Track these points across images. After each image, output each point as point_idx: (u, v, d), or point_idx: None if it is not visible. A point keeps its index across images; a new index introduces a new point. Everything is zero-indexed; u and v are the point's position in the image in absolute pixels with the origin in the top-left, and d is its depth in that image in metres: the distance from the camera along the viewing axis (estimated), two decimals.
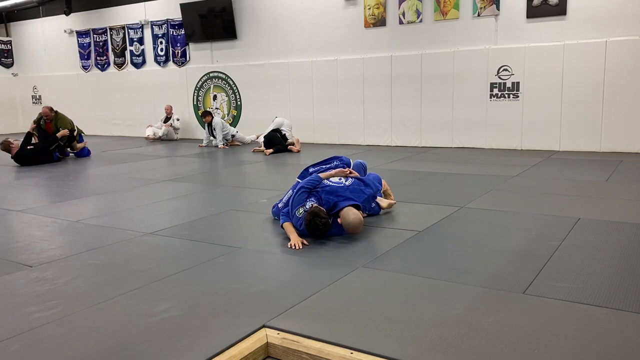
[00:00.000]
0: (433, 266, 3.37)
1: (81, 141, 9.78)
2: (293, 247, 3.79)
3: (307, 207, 3.98)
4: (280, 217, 4.14)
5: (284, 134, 9.55)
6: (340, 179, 4.27)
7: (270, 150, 9.23)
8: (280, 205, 4.39)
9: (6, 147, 8.88)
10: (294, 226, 3.98)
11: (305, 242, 3.85)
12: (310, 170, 4.59)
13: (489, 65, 8.63)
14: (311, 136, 10.43)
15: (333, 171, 4.41)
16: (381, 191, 4.73)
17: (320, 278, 3.21)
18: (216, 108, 11.85)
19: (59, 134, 9.13)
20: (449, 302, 2.79)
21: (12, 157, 8.79)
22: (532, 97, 8.38)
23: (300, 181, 4.38)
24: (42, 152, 8.93)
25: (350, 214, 3.87)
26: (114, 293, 3.07)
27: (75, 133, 9.52)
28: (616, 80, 7.78)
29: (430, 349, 2.31)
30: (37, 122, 9.45)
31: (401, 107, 9.49)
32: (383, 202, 4.64)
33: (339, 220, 3.92)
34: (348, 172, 4.42)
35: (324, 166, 4.61)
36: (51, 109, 9.41)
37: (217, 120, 10.54)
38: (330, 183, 4.18)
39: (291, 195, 4.15)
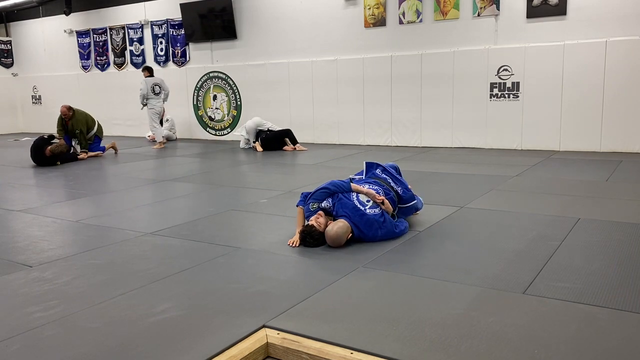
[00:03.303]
0: (433, 266, 3.37)
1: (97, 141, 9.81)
2: (290, 245, 3.85)
3: (323, 205, 3.94)
4: (300, 197, 4.14)
5: (272, 130, 9.73)
6: (368, 201, 3.96)
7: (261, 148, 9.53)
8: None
9: (60, 153, 8.66)
10: (304, 214, 3.99)
11: None
12: (376, 170, 4.37)
13: (489, 65, 8.63)
14: (311, 136, 10.42)
15: (365, 189, 4.02)
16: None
17: (320, 278, 3.21)
18: (216, 108, 11.86)
19: (80, 156, 9.14)
20: (449, 302, 2.79)
21: (41, 154, 8.51)
22: (532, 97, 8.38)
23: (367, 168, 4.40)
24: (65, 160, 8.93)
25: (335, 227, 3.74)
26: (114, 293, 3.07)
27: (92, 133, 9.55)
28: (616, 81, 7.78)
29: (430, 349, 2.31)
30: (61, 125, 9.37)
31: (401, 107, 9.49)
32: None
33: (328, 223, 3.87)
34: (380, 200, 3.98)
35: (389, 178, 4.30)
36: (69, 108, 9.37)
37: (144, 82, 10.56)
38: (353, 200, 3.92)
39: (318, 187, 4.06)
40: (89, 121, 9.56)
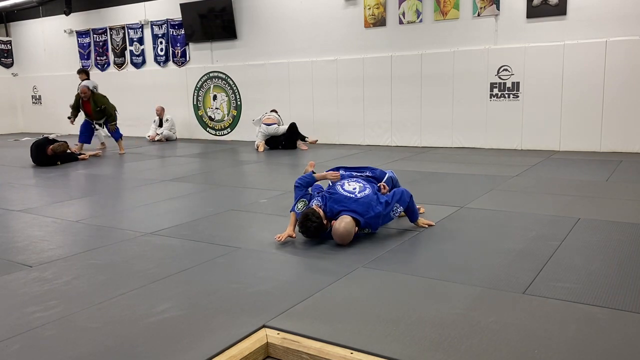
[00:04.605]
0: (433, 266, 3.37)
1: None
2: (277, 239, 3.89)
3: (312, 204, 3.99)
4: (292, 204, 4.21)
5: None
6: (354, 188, 4.05)
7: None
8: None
9: (62, 151, 8.70)
10: (296, 217, 4.04)
11: (293, 236, 3.94)
12: (341, 171, 4.44)
13: (489, 65, 8.63)
14: (311, 136, 10.42)
15: (324, 173, 4.24)
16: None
17: (320, 278, 3.21)
18: (216, 108, 11.86)
19: (81, 157, 9.13)
20: (449, 302, 2.79)
21: (43, 153, 8.50)
22: (532, 97, 8.38)
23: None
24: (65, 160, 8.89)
25: (342, 224, 3.76)
26: (114, 293, 3.07)
27: (115, 113, 9.93)
28: (616, 81, 7.78)
29: (430, 349, 2.31)
30: (75, 106, 9.83)
31: (401, 107, 9.49)
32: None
33: (331, 223, 3.88)
34: (336, 176, 4.17)
35: (354, 172, 4.44)
36: (89, 88, 9.72)
37: (86, 84, 10.49)
38: (340, 191, 4.00)
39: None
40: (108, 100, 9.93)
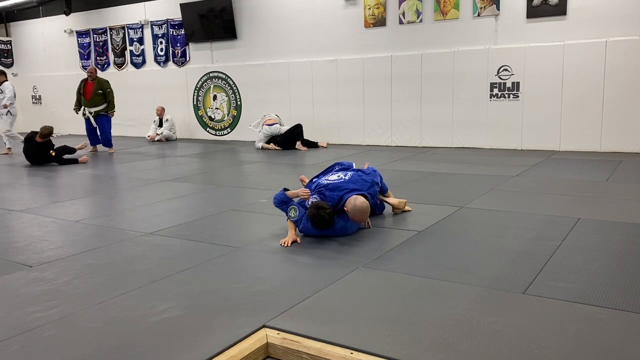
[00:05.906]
0: (433, 266, 3.37)
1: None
2: (282, 245, 3.87)
3: (308, 203, 4.03)
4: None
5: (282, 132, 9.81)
6: (339, 176, 4.26)
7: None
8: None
9: (48, 133, 8.59)
10: (294, 223, 4.06)
11: (298, 241, 3.92)
12: (314, 180, 4.51)
13: (489, 65, 8.63)
14: (311, 136, 10.40)
15: (297, 191, 4.24)
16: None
17: (320, 278, 3.21)
18: (216, 108, 11.86)
19: (81, 160, 8.91)
20: (449, 302, 2.79)
21: (34, 145, 8.47)
22: (532, 97, 8.38)
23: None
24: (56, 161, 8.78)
25: (358, 200, 3.90)
26: (114, 293, 3.07)
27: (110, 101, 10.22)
28: (616, 80, 7.78)
29: (430, 349, 2.31)
30: (78, 90, 10.11)
31: (401, 107, 9.49)
32: (391, 200, 4.64)
33: (345, 208, 3.93)
34: (308, 193, 4.18)
35: (326, 173, 4.55)
36: (96, 70, 10.25)
37: (7, 85, 10.43)
38: (330, 180, 4.18)
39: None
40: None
